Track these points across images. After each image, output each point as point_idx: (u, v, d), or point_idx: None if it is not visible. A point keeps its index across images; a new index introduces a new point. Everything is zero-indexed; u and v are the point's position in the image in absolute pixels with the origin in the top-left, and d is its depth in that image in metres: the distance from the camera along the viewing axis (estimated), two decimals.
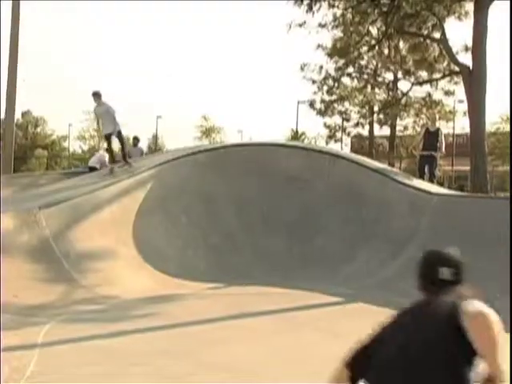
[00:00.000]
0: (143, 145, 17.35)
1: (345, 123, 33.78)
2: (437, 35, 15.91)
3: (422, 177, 12.50)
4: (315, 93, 30.65)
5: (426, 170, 12.51)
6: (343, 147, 35.76)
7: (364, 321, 7.14)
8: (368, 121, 30.09)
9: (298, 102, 43.28)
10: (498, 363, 2.18)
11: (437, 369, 2.13)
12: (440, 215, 10.22)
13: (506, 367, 2.24)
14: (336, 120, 33.46)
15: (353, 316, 7.57)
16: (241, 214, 11.58)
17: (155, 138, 53.25)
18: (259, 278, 9.86)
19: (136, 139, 16.79)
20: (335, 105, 30.66)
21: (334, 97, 30.01)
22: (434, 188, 11.66)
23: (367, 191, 11.36)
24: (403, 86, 27.28)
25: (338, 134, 34.65)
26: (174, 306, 7.93)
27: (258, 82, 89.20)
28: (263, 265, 10.60)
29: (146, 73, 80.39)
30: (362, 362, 2.34)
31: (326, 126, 34.50)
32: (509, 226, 8.42)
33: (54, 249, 9.08)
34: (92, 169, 14.59)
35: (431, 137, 12.55)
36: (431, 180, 12.32)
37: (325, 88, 30.03)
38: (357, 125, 28.85)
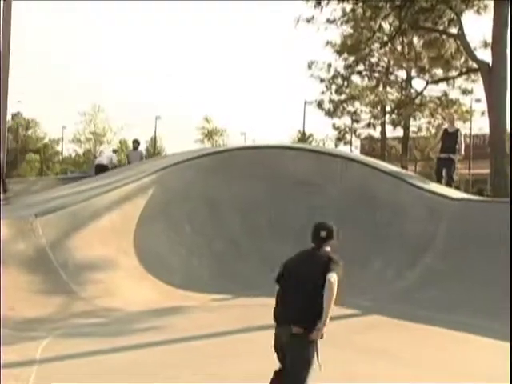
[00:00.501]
0: (141, 148, 17.32)
1: (354, 124, 33.77)
2: (454, 30, 15.93)
3: (439, 180, 12.48)
4: (323, 92, 30.66)
5: (444, 173, 12.49)
6: (353, 150, 35.79)
7: (383, 334, 7.21)
8: (380, 121, 30.06)
9: (305, 103, 43.39)
10: (328, 310, 4.30)
11: (311, 285, 4.27)
12: (460, 221, 10.21)
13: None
14: (345, 121, 33.48)
15: (370, 329, 7.57)
16: (247, 220, 11.59)
17: (154, 140, 53.35)
18: (267, 288, 9.65)
19: (136, 142, 16.82)
20: (345, 105, 30.67)
21: (343, 96, 30.03)
22: (453, 192, 11.65)
23: (381, 196, 11.37)
24: (417, 84, 27.30)
25: (348, 136, 34.66)
26: (180, 319, 7.93)
27: (262, 82, 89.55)
28: (271, 274, 10.55)
29: (146, 72, 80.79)
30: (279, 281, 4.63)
31: (335, 128, 34.45)
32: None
33: (51, 259, 9.11)
34: (100, 167, 14.72)
35: (450, 138, 12.52)
36: (449, 184, 12.29)
37: (333, 87, 30.05)
38: (368, 126, 28.82)
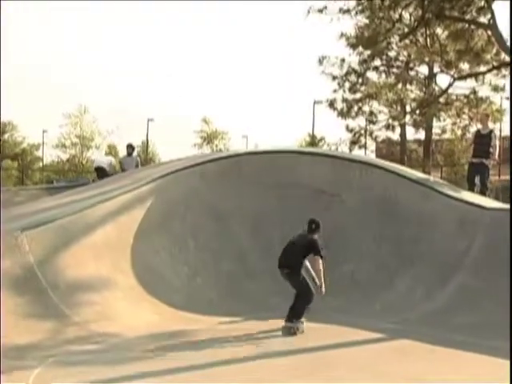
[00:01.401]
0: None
1: (371, 126, 33.78)
2: (484, 20, 15.95)
3: (471, 188, 12.47)
4: (335, 91, 30.73)
5: (477, 180, 12.48)
6: (368, 154, 35.81)
7: (415, 361, 7.20)
8: (399, 123, 30.10)
9: (315, 102, 43.42)
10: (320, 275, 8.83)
11: (298, 255, 8.87)
12: (495, 234, 10.20)
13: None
14: (360, 122, 33.49)
15: (400, 356, 7.56)
16: (257, 234, 11.65)
17: (146, 145, 53.46)
18: (280, 310, 9.80)
19: (130, 147, 16.89)
20: (360, 104, 30.71)
21: (358, 95, 30.10)
22: (488, 201, 11.63)
23: (407, 206, 11.39)
24: (441, 81, 27.38)
25: (363, 139, 34.67)
26: (186, 345, 7.93)
27: (265, 80, 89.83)
28: (284, 294, 10.59)
29: (137, 71, 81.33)
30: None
31: (349, 130, 34.47)
32: None
33: (39, 278, 9.09)
34: (99, 170, 14.85)
35: (483, 141, 12.52)
36: (483, 192, 12.29)
37: (347, 85, 30.14)
38: (387, 127, 28.86)
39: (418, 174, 12.90)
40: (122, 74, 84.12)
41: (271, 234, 11.77)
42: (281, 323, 8.91)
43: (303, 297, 8.82)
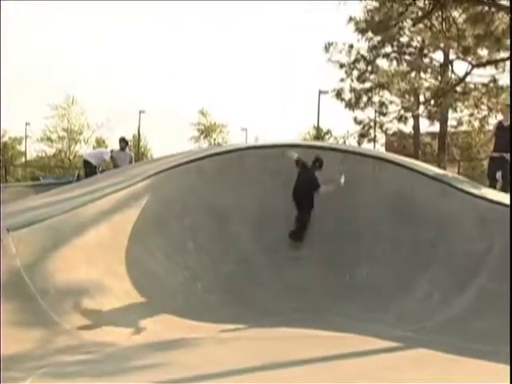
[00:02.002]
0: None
1: (381, 118, 33.75)
2: (505, 2, 15.89)
3: (492, 185, 12.47)
4: (343, 80, 30.74)
5: (498, 176, 12.47)
6: (378, 148, 35.81)
7: (435, 373, 7.18)
8: (413, 114, 30.06)
9: (320, 92, 43.40)
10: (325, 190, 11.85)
11: (310, 188, 11.79)
12: None
13: None
14: (369, 114, 33.46)
15: (415, 366, 7.54)
16: (260, 234, 11.71)
17: (137, 138, 53.48)
18: (288, 317, 9.88)
19: (123, 141, 16.94)
20: (369, 94, 30.67)
21: (366, 84, 30.08)
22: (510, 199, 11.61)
23: (423, 204, 11.41)
24: (457, 68, 27.32)
25: (373, 132, 34.64)
26: (187, 354, 7.89)
27: (265, 70, 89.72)
28: (292, 300, 10.64)
29: (128, 62, 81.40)
30: None
31: (357, 122, 34.47)
32: None
33: (27, 283, 9.07)
34: (86, 164, 14.94)
35: (505, 133, 12.51)
36: (505, 189, 12.27)
37: (355, 73, 30.12)
38: (399, 119, 28.81)
39: (435, 170, 12.89)
40: (99, 62, 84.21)
41: (276, 234, 11.83)
42: (289, 330, 8.91)
43: (299, 220, 11.79)
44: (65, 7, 79.76)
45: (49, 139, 49.05)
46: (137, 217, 10.84)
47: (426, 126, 33.48)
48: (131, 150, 18.08)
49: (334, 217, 11.95)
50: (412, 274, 10.69)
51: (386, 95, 30.24)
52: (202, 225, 11.38)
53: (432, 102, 25.85)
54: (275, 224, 11.94)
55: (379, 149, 34.98)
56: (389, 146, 38.67)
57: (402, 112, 29.54)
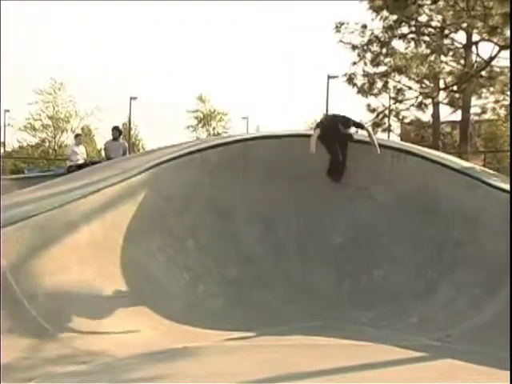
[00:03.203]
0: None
1: (397, 105, 33.67)
2: None
3: None
4: (355, 63, 30.66)
5: None
6: (393, 138, 35.77)
7: None
8: (433, 101, 29.99)
9: (329, 77, 43.41)
10: None
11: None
12: None
13: None
14: (384, 101, 33.37)
15: (442, 378, 7.52)
16: (268, 233, 11.69)
17: (128, 127, 53.52)
18: (300, 324, 9.89)
19: (116, 130, 16.95)
20: (385, 79, 30.59)
21: (381, 68, 30.03)
22: None
23: (448, 200, 11.36)
24: (482, 50, 27.22)
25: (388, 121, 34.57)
26: (190, 365, 7.90)
27: (266, 54, 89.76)
28: (304, 305, 10.64)
29: (116, 43, 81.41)
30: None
31: (370, 110, 34.36)
32: None
33: (13, 287, 9.07)
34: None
35: None
36: None
37: (368, 56, 30.05)
38: (418, 106, 28.73)
39: (461, 163, 12.86)
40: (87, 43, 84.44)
41: (285, 234, 11.82)
42: (300, 339, 8.90)
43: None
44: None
45: (32, 128, 48.99)
46: (133, 214, 10.81)
47: (445, 114, 33.53)
48: (125, 140, 18.07)
49: (348, 214, 11.91)
50: (435, 277, 10.69)
51: (403, 80, 30.20)
52: (205, 223, 11.35)
53: (455, 87, 25.77)
54: (284, 222, 11.92)
55: (394, 139, 34.92)
56: (405, 136, 38.67)
57: (421, 98, 29.49)
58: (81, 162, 17.03)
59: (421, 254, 11.10)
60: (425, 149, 13.54)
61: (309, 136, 12.41)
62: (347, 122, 12.52)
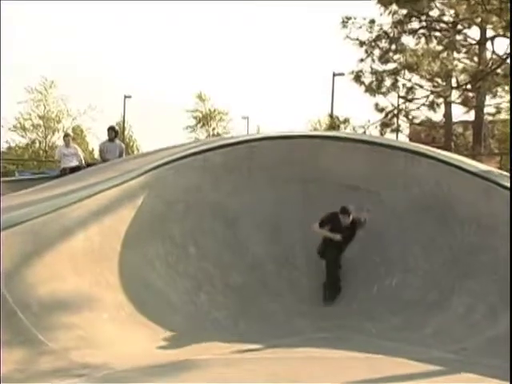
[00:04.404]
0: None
1: (406, 104, 33.67)
2: None
3: None
4: (362, 60, 30.66)
5: None
6: (402, 139, 35.76)
7: None
8: (446, 100, 29.96)
9: (334, 75, 43.39)
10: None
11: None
12: None
13: None
14: (392, 100, 33.35)
15: None
16: (275, 239, 11.72)
17: (122, 127, 53.53)
18: (308, 335, 9.89)
19: (113, 130, 16.93)
20: (394, 77, 30.60)
21: (390, 65, 30.03)
22: None
23: (464, 205, 11.38)
24: (497, 47, 27.19)
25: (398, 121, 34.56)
26: (193, 378, 7.88)
27: (267, 52, 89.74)
28: (312, 315, 10.64)
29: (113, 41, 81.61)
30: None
31: (378, 109, 34.35)
32: None
33: (5, 296, 9.05)
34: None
35: None
36: None
37: (376, 53, 30.05)
38: (430, 106, 28.69)
39: (478, 165, 12.85)
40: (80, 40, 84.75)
41: (291, 240, 11.81)
42: (309, 351, 8.88)
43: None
44: None
45: (22, 128, 48.95)
46: (131, 219, 10.82)
47: (458, 114, 33.49)
48: (122, 141, 18.08)
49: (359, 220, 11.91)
50: (450, 285, 10.68)
51: (413, 78, 30.19)
52: (207, 228, 11.39)
53: (468, 86, 25.75)
54: (291, 228, 11.92)
55: (403, 140, 34.91)
56: (414, 137, 38.58)
57: (432, 97, 29.47)
58: (73, 164, 17.00)
59: (434, 262, 11.11)
60: (439, 150, 13.53)
61: (319, 137, 12.44)
62: (345, 209, 11.45)
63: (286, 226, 11.84)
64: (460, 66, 28.45)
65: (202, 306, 10.40)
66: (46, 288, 9.38)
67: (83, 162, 17.52)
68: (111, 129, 17.12)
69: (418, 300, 10.70)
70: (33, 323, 8.83)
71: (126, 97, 51.96)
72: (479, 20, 26.13)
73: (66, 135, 18.97)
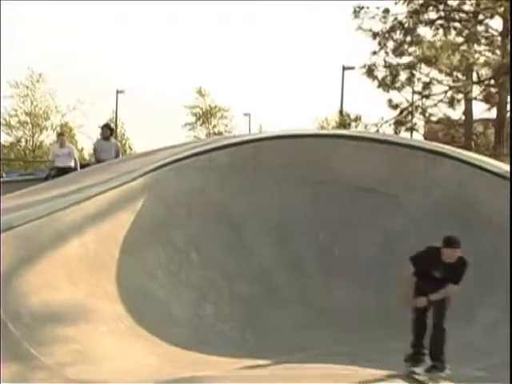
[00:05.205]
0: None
1: (423, 100, 33.63)
2: None
3: None
4: (375, 53, 30.69)
5: None
6: (417, 138, 35.72)
7: None
8: (466, 96, 29.97)
9: (344, 69, 43.39)
10: None
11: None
12: None
13: None
14: (407, 96, 33.32)
15: None
16: (284, 246, 11.67)
17: (114, 123, 53.55)
18: (322, 351, 9.84)
19: (108, 128, 16.96)
20: (409, 71, 30.61)
21: (405, 59, 30.07)
22: None
23: (489, 209, 11.38)
24: None
25: (413, 119, 34.53)
26: None
27: (270, 45, 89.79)
28: (324, 327, 10.63)
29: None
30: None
31: (392, 106, 34.34)
32: None
33: None
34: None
35: None
36: None
37: (390, 45, 30.10)
38: (450, 103, 28.73)
39: (503, 166, 12.85)
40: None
41: (302, 246, 11.78)
42: (323, 368, 8.85)
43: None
44: None
45: (8, 125, 48.96)
46: (130, 224, 10.82)
47: (479, 111, 33.47)
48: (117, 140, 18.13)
49: (375, 225, 11.89)
50: (475, 296, 10.61)
51: (431, 73, 30.18)
52: (211, 233, 11.36)
53: (491, 81, 25.78)
54: (301, 234, 11.89)
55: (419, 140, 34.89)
56: (431, 136, 38.52)
57: (451, 93, 29.46)
58: (67, 165, 16.98)
59: None
60: (461, 151, 13.55)
61: (330, 136, 12.41)
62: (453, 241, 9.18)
63: (296, 231, 11.79)
64: (482, 59, 28.50)
65: (207, 318, 10.40)
66: (38, 298, 9.38)
67: (78, 162, 17.45)
68: (106, 126, 17.16)
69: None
70: (24, 336, 8.83)
71: (118, 91, 51.84)
72: (502, 10, 26.19)
73: (61, 134, 18.98)
